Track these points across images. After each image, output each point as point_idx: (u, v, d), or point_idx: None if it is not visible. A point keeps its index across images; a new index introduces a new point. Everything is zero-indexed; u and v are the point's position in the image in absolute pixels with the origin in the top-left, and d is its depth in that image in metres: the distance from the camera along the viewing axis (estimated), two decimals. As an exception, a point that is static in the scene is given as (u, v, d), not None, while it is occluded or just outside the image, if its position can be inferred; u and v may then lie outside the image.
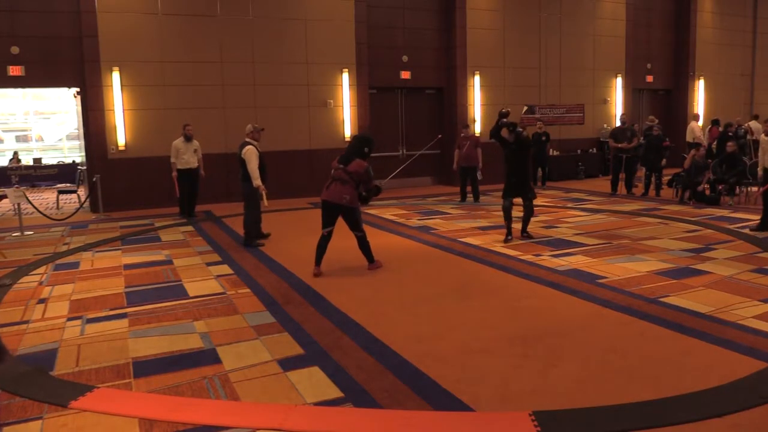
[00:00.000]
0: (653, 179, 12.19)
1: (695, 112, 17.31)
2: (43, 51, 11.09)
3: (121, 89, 11.48)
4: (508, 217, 7.96)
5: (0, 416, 3.39)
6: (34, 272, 6.82)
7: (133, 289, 6.01)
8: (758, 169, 8.87)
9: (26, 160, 19.30)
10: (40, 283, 6.32)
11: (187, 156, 10.42)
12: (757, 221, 8.48)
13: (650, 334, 4.48)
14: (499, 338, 4.45)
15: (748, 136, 14.61)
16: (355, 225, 6.39)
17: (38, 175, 17.06)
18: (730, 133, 13.76)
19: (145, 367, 4.04)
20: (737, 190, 11.02)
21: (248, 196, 7.96)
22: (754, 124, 15.38)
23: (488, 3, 14.82)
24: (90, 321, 5.03)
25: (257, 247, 7.94)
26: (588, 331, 4.56)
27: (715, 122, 16.33)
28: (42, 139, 26.10)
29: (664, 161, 12.15)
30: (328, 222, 6.35)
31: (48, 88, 15.82)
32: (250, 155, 7.73)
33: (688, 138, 15.41)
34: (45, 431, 3.24)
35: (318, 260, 6.42)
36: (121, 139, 11.58)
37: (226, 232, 9.16)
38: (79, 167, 14.45)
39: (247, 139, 7.93)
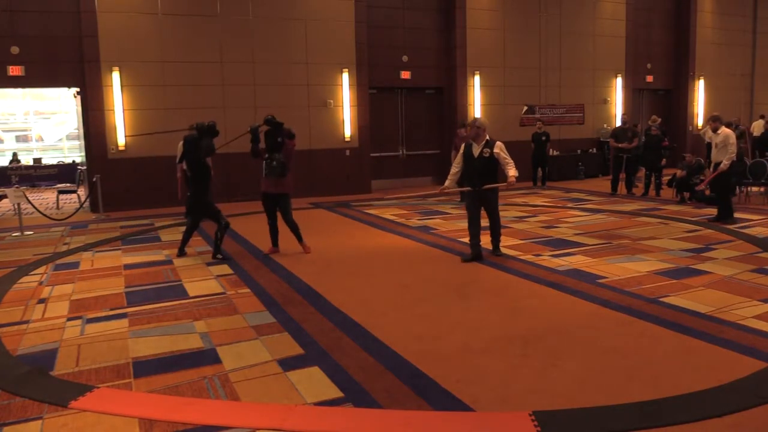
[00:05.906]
0: (653, 179, 12.20)
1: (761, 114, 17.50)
2: (43, 51, 11.09)
3: (121, 89, 11.48)
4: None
5: (0, 416, 3.39)
6: (34, 272, 6.81)
7: (133, 289, 6.01)
8: (711, 165, 9.30)
9: (26, 160, 19.30)
10: (40, 283, 6.32)
11: None
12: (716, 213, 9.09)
13: (650, 334, 4.48)
14: (499, 338, 4.45)
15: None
16: None
17: (38, 175, 17.05)
18: None
19: (145, 367, 4.03)
20: (737, 191, 11.01)
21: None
22: (758, 124, 15.55)
23: (488, 3, 14.82)
24: (90, 321, 5.03)
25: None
26: (588, 331, 4.56)
27: None
28: (42, 139, 26.06)
29: (663, 161, 12.14)
30: None
31: (48, 88, 15.84)
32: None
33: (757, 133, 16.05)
34: (45, 431, 3.24)
35: None
36: (121, 139, 11.59)
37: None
38: (79, 167, 14.45)
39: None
